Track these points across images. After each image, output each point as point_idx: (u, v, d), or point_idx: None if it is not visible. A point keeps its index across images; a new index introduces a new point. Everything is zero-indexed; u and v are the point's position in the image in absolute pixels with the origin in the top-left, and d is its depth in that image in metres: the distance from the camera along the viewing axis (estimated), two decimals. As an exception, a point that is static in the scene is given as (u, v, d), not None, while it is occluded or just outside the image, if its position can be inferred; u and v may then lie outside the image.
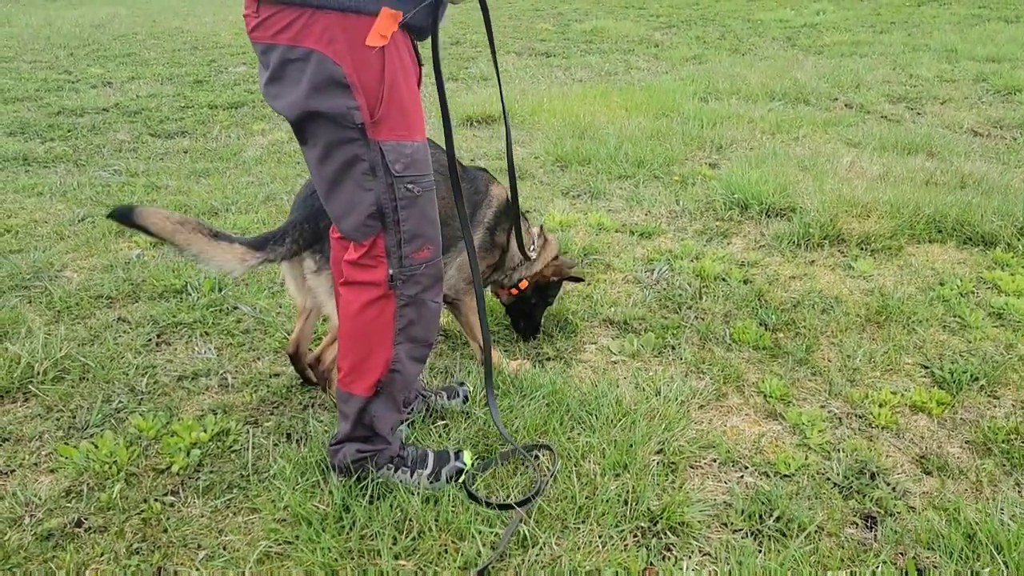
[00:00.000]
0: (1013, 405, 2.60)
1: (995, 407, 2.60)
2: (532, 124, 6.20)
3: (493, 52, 2.28)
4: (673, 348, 3.02)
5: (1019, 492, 2.20)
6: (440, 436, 2.43)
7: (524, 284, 2.99)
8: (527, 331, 3.10)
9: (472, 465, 2.24)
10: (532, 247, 2.94)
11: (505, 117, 2.39)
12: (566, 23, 12.34)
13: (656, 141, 5.54)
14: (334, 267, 2.26)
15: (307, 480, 2.18)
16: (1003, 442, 2.40)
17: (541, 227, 3.04)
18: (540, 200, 4.60)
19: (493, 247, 2.82)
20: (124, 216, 2.03)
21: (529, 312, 3.08)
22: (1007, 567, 1.89)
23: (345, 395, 2.07)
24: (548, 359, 2.98)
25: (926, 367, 2.83)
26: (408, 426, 2.47)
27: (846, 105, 6.70)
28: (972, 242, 3.77)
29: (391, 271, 1.93)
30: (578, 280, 3.17)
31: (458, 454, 2.25)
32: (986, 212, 3.87)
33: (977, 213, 3.87)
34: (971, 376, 2.72)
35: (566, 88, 7.49)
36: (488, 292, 3.12)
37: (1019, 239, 3.71)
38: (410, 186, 1.87)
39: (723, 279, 3.53)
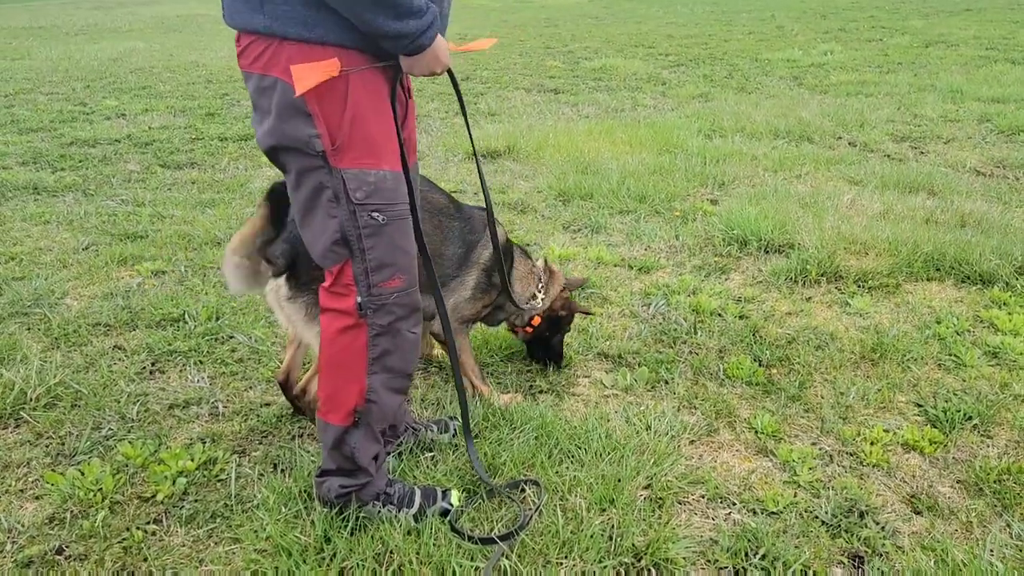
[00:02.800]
0: (1006, 444, 2.57)
1: (988, 446, 2.57)
2: (537, 159, 6.26)
3: (465, 116, 2.33)
4: (666, 382, 3.01)
5: (1010, 533, 2.17)
6: (428, 468, 2.43)
7: (537, 320, 3.00)
8: (553, 362, 3.10)
9: (459, 505, 2.23)
10: (539, 284, 2.96)
11: (480, 169, 2.42)
12: (576, 61, 12.51)
13: (659, 177, 5.58)
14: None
15: (290, 510, 2.17)
16: (995, 482, 2.37)
17: (545, 260, 3.06)
18: (541, 234, 4.63)
19: (490, 287, 2.80)
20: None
21: (548, 345, 3.08)
22: (994, 610, 1.86)
23: (323, 424, 2.07)
24: (540, 392, 2.98)
25: (920, 405, 2.80)
26: (396, 457, 2.46)
27: (850, 143, 6.73)
28: (970, 281, 3.75)
29: (359, 299, 1.94)
30: (588, 313, 3.23)
31: (446, 493, 2.24)
32: (984, 251, 3.86)
33: (976, 252, 3.86)
34: (964, 415, 2.69)
35: (572, 124, 7.57)
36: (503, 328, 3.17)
37: (1017, 278, 3.69)
38: (374, 214, 1.89)
39: (719, 314, 3.52)
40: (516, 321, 2.99)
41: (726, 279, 3.95)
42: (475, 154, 2.44)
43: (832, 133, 7.01)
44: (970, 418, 2.68)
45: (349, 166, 1.85)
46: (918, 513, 2.29)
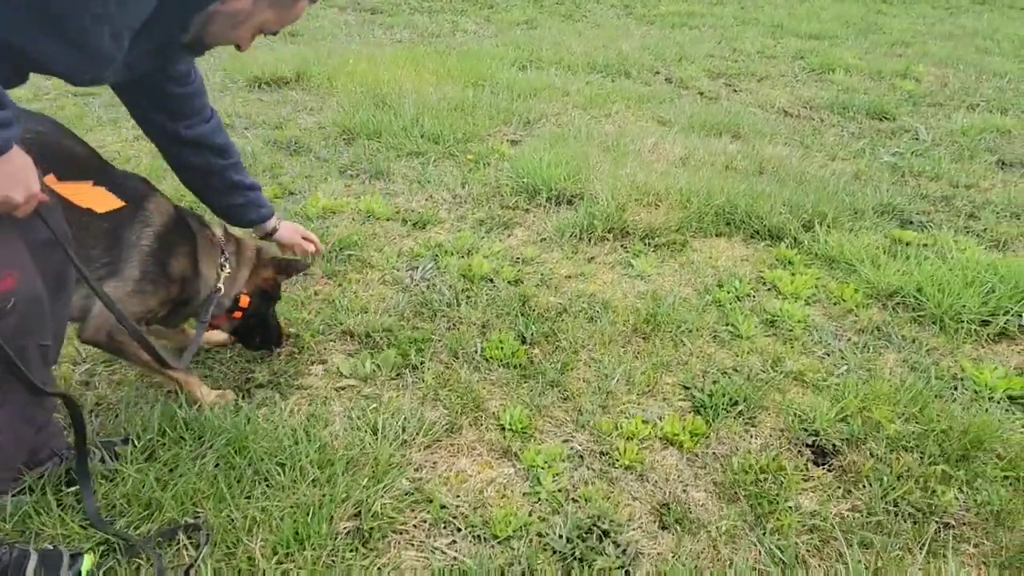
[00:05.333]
0: (770, 434, 2.33)
1: (751, 437, 2.31)
2: (328, 89, 5.56)
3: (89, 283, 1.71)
4: (415, 368, 2.57)
5: (759, 552, 1.91)
6: (63, 515, 1.86)
7: (245, 300, 2.41)
8: (269, 343, 2.56)
9: (91, 569, 1.69)
10: (223, 256, 2.32)
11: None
12: (402, -22, 11.57)
13: (459, 114, 5.05)
14: None
15: None
16: (752, 484, 2.11)
17: (225, 229, 2.43)
18: (310, 179, 4.01)
19: (167, 279, 2.13)
20: None
21: (261, 323, 2.52)
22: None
23: None
24: (258, 386, 2.45)
25: (687, 387, 2.52)
26: (20, 493, 1.88)
27: (666, 80, 6.47)
28: (759, 236, 3.53)
29: None
30: (305, 269, 2.63)
31: (76, 557, 1.70)
32: (776, 203, 3.65)
33: (767, 204, 3.64)
34: (731, 400, 2.42)
35: (380, 50, 6.85)
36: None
37: (805, 232, 3.51)
38: None
39: (490, 280, 3.10)
40: (214, 311, 2.32)
41: (508, 236, 3.53)
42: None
43: (650, 68, 6.72)
44: (736, 403, 2.42)
45: None
46: (665, 528, 1.99)
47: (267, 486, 1.99)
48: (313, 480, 2.00)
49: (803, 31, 8.64)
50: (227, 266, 2.31)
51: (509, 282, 3.09)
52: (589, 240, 3.45)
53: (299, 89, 5.57)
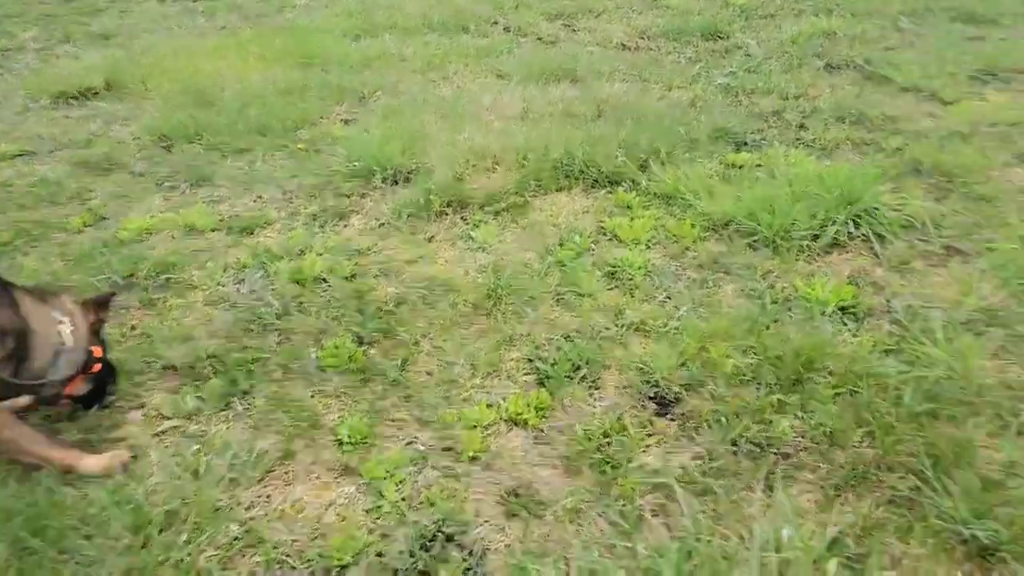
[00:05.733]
0: (614, 393, 2.28)
1: (595, 401, 2.26)
2: (143, 94, 5.13)
3: None
4: (245, 393, 2.39)
5: (602, 525, 1.86)
6: None
7: (99, 351, 2.23)
8: (113, 382, 2.36)
9: None
10: (63, 313, 2.12)
11: None
12: (226, -43, 10.87)
13: (289, 99, 4.76)
14: None
15: None
16: (596, 451, 2.06)
17: (40, 291, 2.18)
18: (125, 199, 3.68)
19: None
20: None
21: (110, 369, 2.33)
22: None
23: None
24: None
25: (531, 360, 2.44)
26: None
27: (505, 29, 6.30)
28: (599, 184, 3.47)
29: None
30: (111, 296, 2.43)
31: None
32: (612, 147, 3.58)
33: (604, 149, 3.57)
34: (573, 365, 2.36)
35: (201, 40, 6.40)
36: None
37: (642, 173, 3.47)
38: None
39: (324, 279, 2.93)
40: (68, 372, 2.12)
41: (344, 226, 3.34)
42: None
43: (488, 19, 6.53)
44: (579, 368, 2.35)
45: None
46: (514, 516, 1.92)
47: (76, 564, 1.81)
48: (128, 547, 1.83)
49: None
50: (65, 321, 2.10)
51: (345, 279, 2.92)
52: (428, 217, 3.31)
53: (111, 98, 5.13)
